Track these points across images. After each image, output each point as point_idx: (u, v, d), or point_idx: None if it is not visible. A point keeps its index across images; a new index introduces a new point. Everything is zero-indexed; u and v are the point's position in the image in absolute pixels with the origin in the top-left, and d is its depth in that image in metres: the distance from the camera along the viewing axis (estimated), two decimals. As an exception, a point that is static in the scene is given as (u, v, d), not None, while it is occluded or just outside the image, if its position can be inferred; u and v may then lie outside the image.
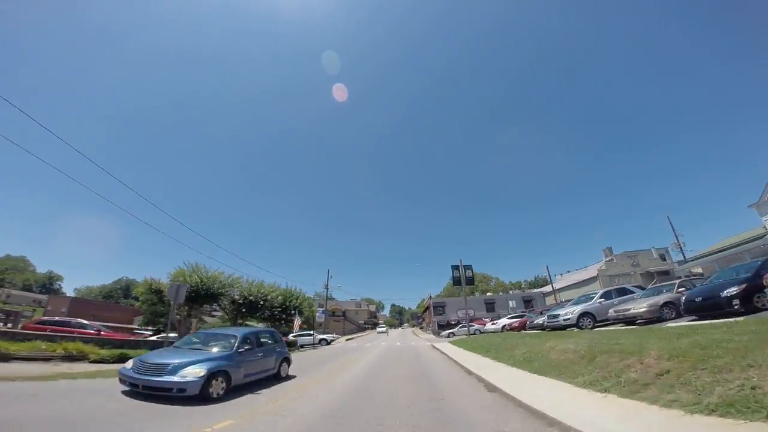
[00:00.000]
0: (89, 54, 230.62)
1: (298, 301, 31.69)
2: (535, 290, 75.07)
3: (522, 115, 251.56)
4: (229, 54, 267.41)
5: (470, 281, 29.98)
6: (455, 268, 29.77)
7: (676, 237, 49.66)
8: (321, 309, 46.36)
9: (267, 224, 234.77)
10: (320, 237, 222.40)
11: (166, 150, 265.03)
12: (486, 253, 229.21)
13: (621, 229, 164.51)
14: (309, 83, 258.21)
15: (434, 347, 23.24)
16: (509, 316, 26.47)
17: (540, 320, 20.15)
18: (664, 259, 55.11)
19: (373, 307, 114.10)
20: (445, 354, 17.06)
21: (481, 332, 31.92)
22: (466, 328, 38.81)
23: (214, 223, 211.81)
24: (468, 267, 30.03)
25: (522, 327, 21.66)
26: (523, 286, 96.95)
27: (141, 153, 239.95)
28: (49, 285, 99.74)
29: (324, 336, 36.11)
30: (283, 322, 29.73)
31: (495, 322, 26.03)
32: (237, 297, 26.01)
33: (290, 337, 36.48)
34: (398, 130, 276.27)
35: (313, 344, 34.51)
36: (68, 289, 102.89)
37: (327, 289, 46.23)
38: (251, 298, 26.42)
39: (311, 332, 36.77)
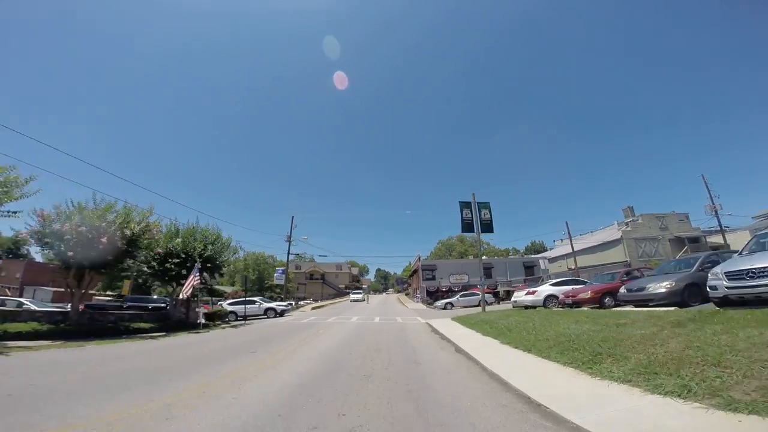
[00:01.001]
0: (86, 42, 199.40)
1: (208, 245, 18.89)
2: (537, 255, 67.14)
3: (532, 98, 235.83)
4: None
5: (488, 226, 20.03)
6: (465, 205, 19.77)
7: (711, 198, 40.79)
8: (281, 269, 36.96)
9: (242, 191, 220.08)
10: (298, 202, 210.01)
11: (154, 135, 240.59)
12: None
13: (640, 194, 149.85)
14: (308, 69, 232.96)
15: (434, 330, 13.73)
16: (555, 281, 16.68)
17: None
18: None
19: (356, 271, 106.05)
20: (484, 367, 7.04)
21: (514, 303, 21.66)
22: (473, 299, 29.77)
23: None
24: (484, 205, 20.07)
25: (598, 300, 12.09)
26: (521, 252, 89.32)
27: (136, 145, 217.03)
28: (15, 250, 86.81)
29: (273, 305, 26.28)
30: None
31: (533, 290, 16.35)
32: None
33: (224, 304, 26.83)
34: (383, 94, 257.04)
35: (258, 315, 24.90)
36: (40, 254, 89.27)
37: (290, 242, 36.01)
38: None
39: (256, 299, 26.89)
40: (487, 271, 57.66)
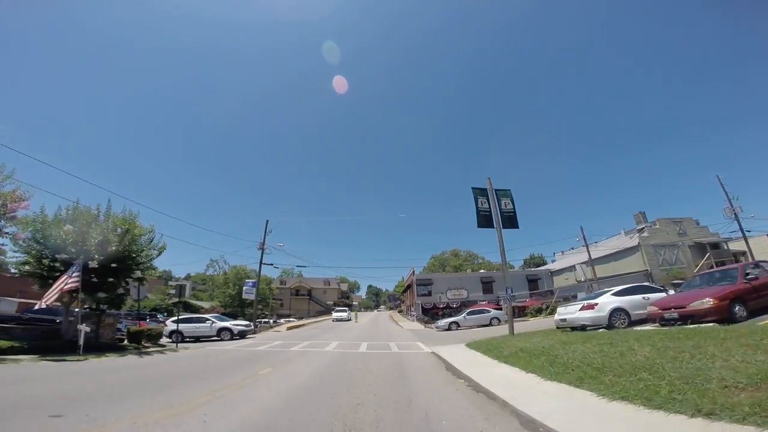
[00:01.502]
0: (88, 47, 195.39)
1: (112, 236, 13.03)
2: (539, 268, 62.41)
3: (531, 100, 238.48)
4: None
5: (511, 219, 15.03)
6: (480, 193, 14.88)
7: (729, 200, 36.97)
8: (251, 282, 31.36)
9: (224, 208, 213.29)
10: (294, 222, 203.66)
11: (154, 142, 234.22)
12: (468, 232, 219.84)
13: (648, 196, 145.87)
14: (310, 76, 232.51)
15: (451, 368, 8.87)
16: (618, 290, 11.17)
17: None
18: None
19: (345, 287, 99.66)
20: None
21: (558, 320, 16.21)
22: (483, 317, 24.94)
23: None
24: (504, 193, 15.18)
25: (725, 309, 7.20)
26: (521, 267, 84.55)
27: (133, 145, 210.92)
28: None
29: (229, 324, 20.36)
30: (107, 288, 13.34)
31: (591, 303, 11.09)
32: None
33: (168, 322, 20.99)
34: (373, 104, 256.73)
35: (210, 337, 19.22)
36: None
37: (263, 249, 30.39)
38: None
39: (208, 317, 21.09)
40: (487, 285, 52.64)
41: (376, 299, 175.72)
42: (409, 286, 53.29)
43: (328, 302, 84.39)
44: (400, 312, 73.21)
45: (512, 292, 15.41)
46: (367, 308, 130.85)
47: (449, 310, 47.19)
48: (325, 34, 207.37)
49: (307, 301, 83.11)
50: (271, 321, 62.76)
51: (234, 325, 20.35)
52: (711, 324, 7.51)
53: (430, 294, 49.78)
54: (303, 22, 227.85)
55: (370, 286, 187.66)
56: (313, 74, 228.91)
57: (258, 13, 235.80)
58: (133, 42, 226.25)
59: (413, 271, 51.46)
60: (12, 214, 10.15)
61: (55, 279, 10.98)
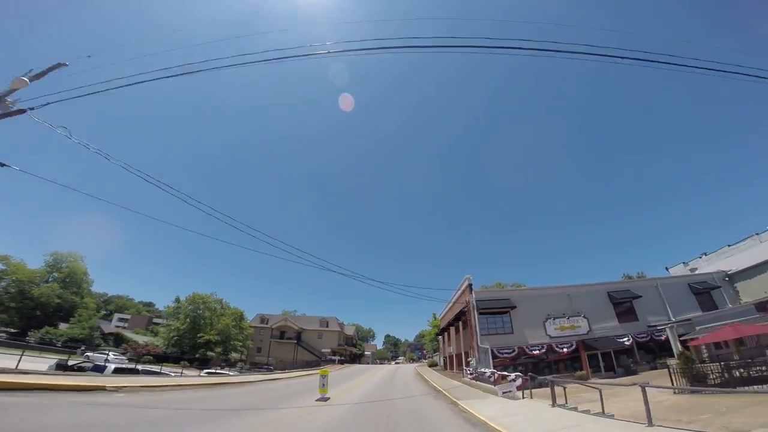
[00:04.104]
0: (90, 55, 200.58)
1: None
2: (705, 272, 34.41)
3: (535, 118, 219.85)
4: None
5: None
6: None
7: None
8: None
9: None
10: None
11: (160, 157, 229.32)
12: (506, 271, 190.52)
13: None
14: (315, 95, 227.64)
15: None
16: None
17: None
18: None
19: (351, 330, 72.72)
20: None
21: None
22: None
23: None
24: None
25: None
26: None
27: (135, 161, 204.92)
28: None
29: None
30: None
31: None
32: None
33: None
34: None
35: None
36: None
37: None
38: None
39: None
40: (623, 305, 26.47)
41: (394, 350, 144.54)
42: (459, 318, 27.42)
43: (323, 349, 57.67)
44: (431, 366, 45.73)
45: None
46: (383, 359, 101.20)
47: (555, 358, 21.72)
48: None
49: (294, 347, 56.93)
50: (218, 369, 40.85)
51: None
52: None
53: (504, 328, 23.98)
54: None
55: (387, 336, 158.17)
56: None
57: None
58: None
59: (468, 286, 25.83)
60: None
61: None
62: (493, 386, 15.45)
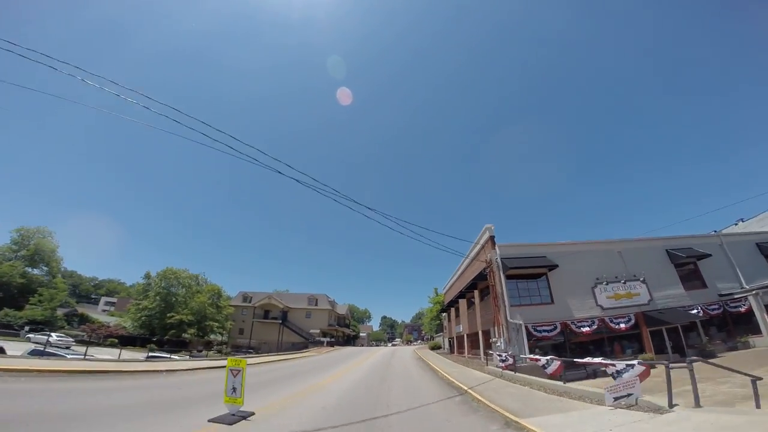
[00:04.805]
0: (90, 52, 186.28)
1: None
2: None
3: (533, 116, 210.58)
4: (230, 57, 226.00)
5: None
6: None
7: None
8: None
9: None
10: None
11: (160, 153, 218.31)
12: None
13: None
14: (313, 89, 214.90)
15: None
16: None
17: None
18: None
19: (344, 309, 66.85)
20: None
21: None
22: None
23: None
24: None
25: None
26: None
27: (137, 156, 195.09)
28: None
29: None
30: None
31: None
32: None
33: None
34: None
35: None
36: None
37: None
38: None
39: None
40: (686, 267, 20.10)
41: (390, 331, 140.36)
42: (475, 286, 20.64)
43: (312, 330, 51.76)
44: (434, 348, 39.81)
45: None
46: (379, 341, 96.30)
47: (606, 336, 15.64)
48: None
49: (279, 328, 50.98)
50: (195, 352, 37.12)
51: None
52: None
53: (542, 297, 17.55)
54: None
55: (384, 317, 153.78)
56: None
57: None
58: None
59: (490, 239, 19.08)
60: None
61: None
62: (560, 383, 9.06)
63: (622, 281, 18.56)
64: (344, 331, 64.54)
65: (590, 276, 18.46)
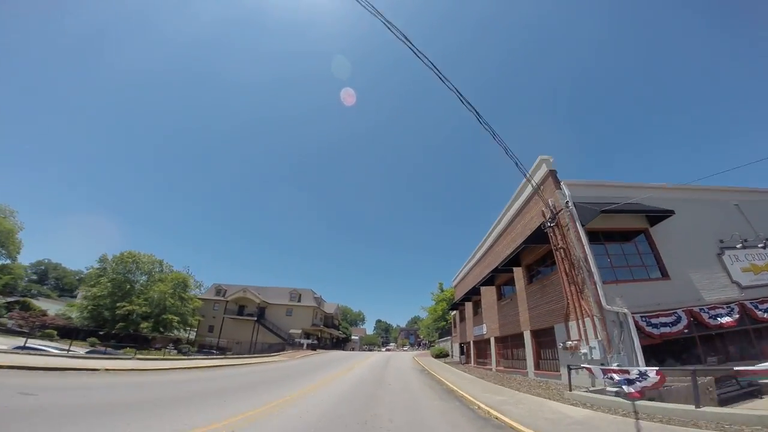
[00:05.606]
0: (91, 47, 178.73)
1: None
2: None
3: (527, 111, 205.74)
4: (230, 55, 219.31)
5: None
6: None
7: None
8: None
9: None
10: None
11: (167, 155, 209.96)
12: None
13: None
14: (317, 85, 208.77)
15: None
16: None
17: None
18: None
19: (331, 308, 59.17)
20: None
21: None
22: None
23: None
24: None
25: None
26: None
27: (143, 159, 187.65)
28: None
29: None
30: None
31: None
32: None
33: None
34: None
35: None
36: None
37: None
38: None
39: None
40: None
41: (385, 335, 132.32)
42: (515, 261, 13.12)
43: (292, 330, 44.13)
44: (438, 356, 32.27)
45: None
46: (372, 344, 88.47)
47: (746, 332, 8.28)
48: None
49: (254, 326, 43.40)
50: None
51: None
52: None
53: (648, 270, 10.35)
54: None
55: (379, 321, 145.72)
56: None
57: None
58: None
59: (550, 174, 11.89)
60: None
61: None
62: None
63: (761, 245, 11.46)
64: (332, 333, 56.88)
65: (709, 237, 11.37)
